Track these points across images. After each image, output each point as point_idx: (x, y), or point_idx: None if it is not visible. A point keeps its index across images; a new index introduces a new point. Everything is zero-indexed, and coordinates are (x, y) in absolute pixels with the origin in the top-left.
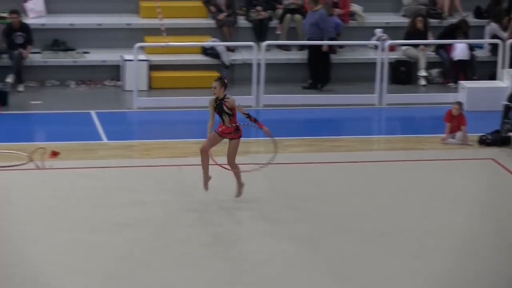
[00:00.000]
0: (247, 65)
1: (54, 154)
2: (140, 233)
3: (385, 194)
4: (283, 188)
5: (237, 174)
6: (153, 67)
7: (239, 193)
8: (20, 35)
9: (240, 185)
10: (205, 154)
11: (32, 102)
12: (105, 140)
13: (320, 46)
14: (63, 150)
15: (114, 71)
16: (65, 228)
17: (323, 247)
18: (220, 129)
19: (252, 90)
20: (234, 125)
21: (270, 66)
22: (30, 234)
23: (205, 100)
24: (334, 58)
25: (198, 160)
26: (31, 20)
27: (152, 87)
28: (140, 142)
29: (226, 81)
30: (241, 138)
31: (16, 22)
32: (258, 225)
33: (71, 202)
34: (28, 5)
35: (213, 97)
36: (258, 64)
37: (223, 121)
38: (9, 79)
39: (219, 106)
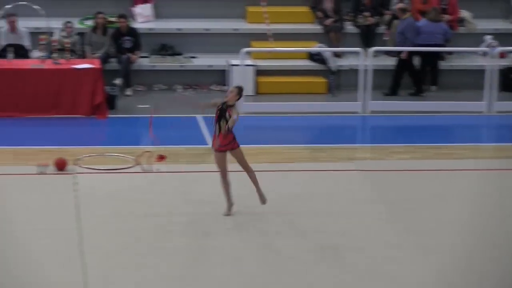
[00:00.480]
0: (354, 71)
1: (161, 158)
2: (253, 235)
3: (491, 201)
4: (388, 194)
5: (255, 181)
6: (259, 72)
7: (262, 200)
8: (128, 39)
9: (259, 192)
10: (225, 177)
11: (140, 106)
12: (210, 145)
13: (416, 53)
14: (170, 154)
15: (220, 76)
16: (174, 232)
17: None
18: (217, 145)
19: (359, 96)
20: (231, 134)
21: (377, 72)
22: (143, 239)
23: (310, 106)
24: (443, 64)
25: (303, 166)
26: (139, 24)
27: (258, 92)
28: (245, 147)
29: (242, 93)
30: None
31: (124, 26)
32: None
33: (176, 206)
34: (136, 10)
35: (222, 100)
36: (365, 70)
37: (219, 128)
38: (117, 81)
39: (223, 111)
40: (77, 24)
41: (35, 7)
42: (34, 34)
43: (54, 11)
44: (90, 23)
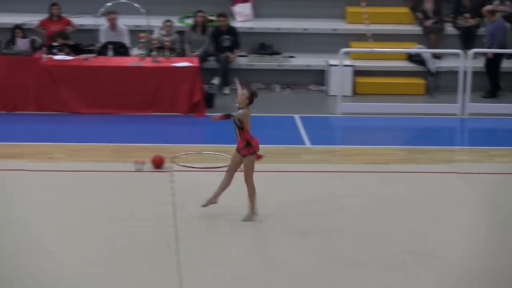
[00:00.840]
0: (453, 73)
1: (258, 157)
2: (348, 237)
3: None
4: (489, 198)
5: (251, 196)
6: (357, 72)
7: (248, 217)
8: (227, 38)
9: (252, 209)
10: (227, 175)
11: (237, 105)
12: (308, 144)
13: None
14: (267, 153)
15: (319, 76)
16: (274, 231)
17: None
18: (237, 146)
19: (458, 98)
20: (244, 140)
21: (476, 74)
22: (236, 238)
23: (408, 107)
24: None
25: (400, 167)
26: (238, 23)
27: (356, 93)
28: (342, 148)
29: (255, 97)
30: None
31: (224, 25)
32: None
33: (271, 204)
34: (236, 9)
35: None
36: (465, 72)
37: (236, 135)
38: (216, 80)
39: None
40: (176, 23)
41: (135, 5)
42: (134, 32)
43: (154, 9)
44: (190, 21)
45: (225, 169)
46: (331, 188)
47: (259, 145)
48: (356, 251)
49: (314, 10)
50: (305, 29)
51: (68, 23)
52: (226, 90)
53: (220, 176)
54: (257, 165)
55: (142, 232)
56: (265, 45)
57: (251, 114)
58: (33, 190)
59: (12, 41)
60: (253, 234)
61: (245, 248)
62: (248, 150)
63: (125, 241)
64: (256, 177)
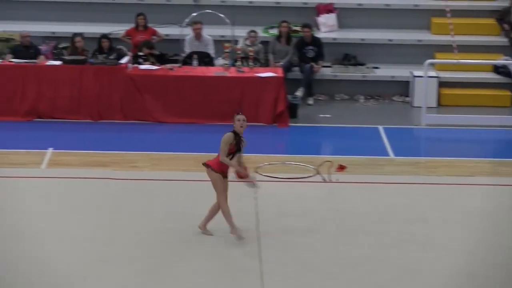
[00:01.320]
0: None
1: (341, 168)
2: (424, 250)
3: None
4: None
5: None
6: (442, 83)
7: (201, 227)
8: (311, 49)
9: (205, 222)
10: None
11: (321, 116)
12: (391, 155)
13: None
14: (350, 164)
15: (403, 87)
16: (351, 242)
17: None
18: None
19: None
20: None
21: None
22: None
23: (494, 119)
24: None
25: (484, 180)
26: (323, 34)
27: (441, 104)
28: (427, 159)
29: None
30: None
31: (308, 36)
32: None
33: (356, 215)
34: (320, 19)
35: (231, 132)
36: None
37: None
38: (299, 92)
39: (239, 143)
40: (261, 33)
41: (220, 15)
42: (219, 42)
43: (239, 19)
44: (274, 31)
45: (309, 179)
46: (415, 200)
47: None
48: (436, 263)
49: (399, 21)
50: (390, 40)
51: (154, 33)
52: (310, 101)
53: (303, 186)
54: (342, 176)
55: (227, 242)
56: (349, 55)
57: None
58: (118, 198)
59: (98, 51)
60: (351, 245)
61: (341, 260)
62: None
63: (208, 249)
64: (341, 187)
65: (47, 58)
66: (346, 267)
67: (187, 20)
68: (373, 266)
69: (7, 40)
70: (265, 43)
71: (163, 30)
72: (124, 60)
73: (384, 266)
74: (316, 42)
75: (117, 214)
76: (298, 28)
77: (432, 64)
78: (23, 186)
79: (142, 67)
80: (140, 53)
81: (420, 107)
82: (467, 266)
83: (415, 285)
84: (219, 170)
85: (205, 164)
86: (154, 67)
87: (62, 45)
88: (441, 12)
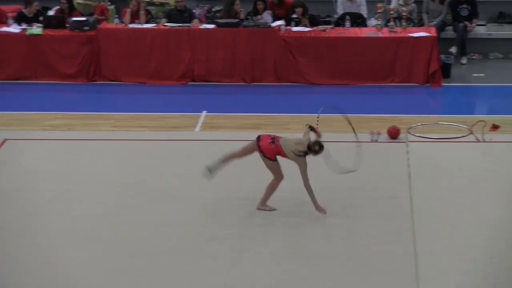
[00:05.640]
0: None
1: (495, 127)
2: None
3: None
4: None
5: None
6: None
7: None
8: (465, 7)
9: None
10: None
11: (475, 75)
12: None
13: None
14: (504, 124)
15: None
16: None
17: None
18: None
19: None
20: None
21: None
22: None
23: None
24: None
25: None
26: None
27: None
28: None
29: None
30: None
31: None
32: None
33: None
34: None
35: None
36: None
37: None
38: (453, 49)
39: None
40: None
41: None
42: (371, 3)
43: None
44: None
45: (462, 139)
46: None
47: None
48: None
49: None
50: None
51: None
52: (463, 60)
53: (456, 146)
54: (496, 136)
55: (378, 201)
56: (504, 13)
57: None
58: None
59: (254, 13)
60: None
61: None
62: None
63: (358, 210)
64: (496, 147)
65: (201, 22)
66: (502, 228)
67: None
68: None
69: (161, 4)
70: (418, 2)
71: None
72: (277, 23)
73: None
74: (470, 0)
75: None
76: None
77: None
78: (178, 149)
79: (295, 29)
80: (293, 15)
81: None
82: None
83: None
84: (274, 159)
85: (258, 145)
86: (307, 29)
87: (215, 8)
88: None
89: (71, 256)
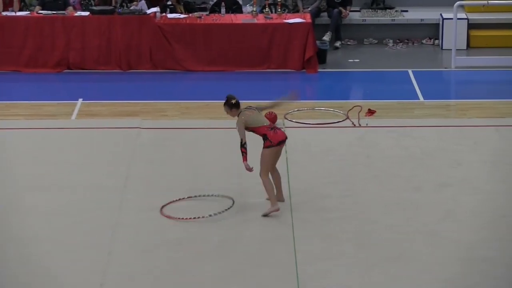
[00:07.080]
0: None
1: (371, 112)
2: (459, 193)
3: None
4: None
5: (267, 190)
6: (472, 25)
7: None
8: None
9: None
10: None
11: (350, 60)
12: (421, 99)
13: None
14: (379, 109)
15: (432, 30)
16: (384, 186)
17: None
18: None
19: None
20: (262, 135)
21: None
22: (347, 187)
23: None
24: None
25: None
26: None
27: (471, 46)
28: (457, 102)
29: (233, 102)
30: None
31: None
32: None
33: (386, 159)
34: None
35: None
36: None
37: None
38: (326, 36)
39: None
40: None
41: None
42: None
43: None
44: None
45: (338, 124)
46: (447, 143)
47: (282, 138)
48: (471, 204)
49: None
50: None
51: None
52: (337, 43)
53: (333, 132)
54: (372, 120)
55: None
56: (377, 0)
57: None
58: (147, 147)
59: (129, 0)
60: (386, 190)
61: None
62: (264, 143)
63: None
64: (371, 131)
65: (75, 9)
66: (382, 212)
67: None
68: (412, 210)
69: None
70: None
71: None
72: (152, 10)
73: (423, 209)
74: None
75: (149, 164)
76: None
77: (461, 6)
78: (55, 137)
79: (170, 16)
80: (168, 2)
81: (449, 49)
82: (503, 207)
83: (459, 226)
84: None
85: (285, 138)
86: (182, 16)
87: None
88: None
89: None
